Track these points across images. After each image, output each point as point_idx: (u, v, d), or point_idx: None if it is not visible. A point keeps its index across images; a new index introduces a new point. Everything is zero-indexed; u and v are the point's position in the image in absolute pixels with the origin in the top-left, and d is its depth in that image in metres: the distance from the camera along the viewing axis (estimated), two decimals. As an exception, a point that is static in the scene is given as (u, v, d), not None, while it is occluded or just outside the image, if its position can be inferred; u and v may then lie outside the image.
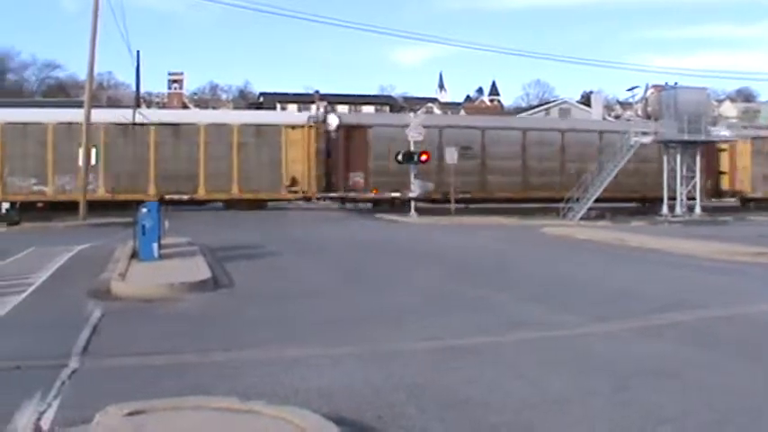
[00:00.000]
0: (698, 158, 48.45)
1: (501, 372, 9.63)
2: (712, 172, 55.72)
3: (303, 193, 48.75)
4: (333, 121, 51.01)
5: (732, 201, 58.53)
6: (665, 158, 48.75)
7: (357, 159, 49.10)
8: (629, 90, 56.73)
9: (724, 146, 55.85)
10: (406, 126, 46.14)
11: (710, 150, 53.76)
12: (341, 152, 49.28)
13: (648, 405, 8.21)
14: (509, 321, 13.13)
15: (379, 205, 49.49)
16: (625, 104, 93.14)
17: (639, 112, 53.98)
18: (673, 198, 47.58)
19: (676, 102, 47.31)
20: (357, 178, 48.87)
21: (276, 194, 48.76)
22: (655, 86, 53.57)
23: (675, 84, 50.13)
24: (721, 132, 50.76)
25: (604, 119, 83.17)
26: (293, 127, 49.01)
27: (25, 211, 40.61)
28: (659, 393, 8.66)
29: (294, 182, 48.05)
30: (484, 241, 30.65)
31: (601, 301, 15.38)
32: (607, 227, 38.02)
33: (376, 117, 51.01)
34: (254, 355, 10.69)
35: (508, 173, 51.66)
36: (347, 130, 49.82)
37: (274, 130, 48.59)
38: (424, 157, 45.19)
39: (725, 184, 58.33)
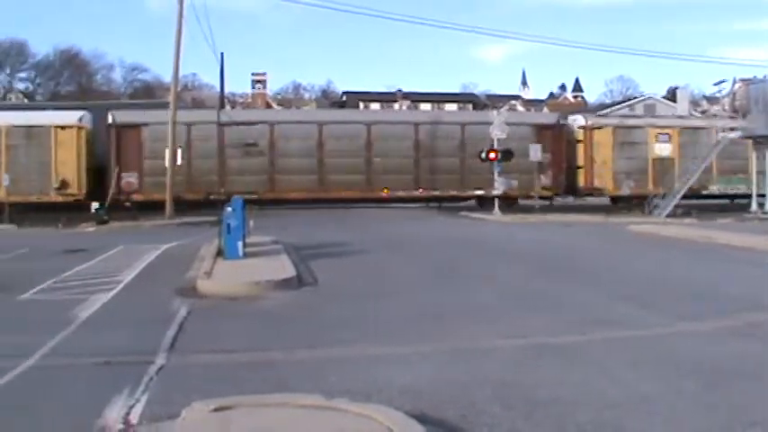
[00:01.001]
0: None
1: (587, 370, 9.49)
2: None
3: (73, 196, 45.55)
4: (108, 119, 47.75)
5: None
6: (753, 154, 47.53)
7: (130, 160, 46.79)
8: (715, 84, 55.69)
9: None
10: (188, 124, 45.81)
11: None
12: (113, 152, 46.46)
13: (736, 406, 8.01)
14: (595, 320, 12.93)
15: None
16: (712, 99, 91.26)
17: (726, 107, 52.73)
18: (762, 195, 46.36)
19: (766, 95, 46.01)
20: (130, 179, 46.56)
21: (46, 197, 45.49)
22: (742, 80, 52.16)
23: (765, 77, 48.73)
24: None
25: (691, 114, 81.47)
26: (63, 128, 46.19)
27: (113, 210, 41.40)
28: (747, 395, 8.43)
29: (65, 184, 45.45)
30: (567, 239, 30.29)
31: (688, 300, 15.05)
32: (693, 224, 37.26)
33: (151, 115, 47.04)
34: (337, 353, 10.72)
35: (301, 171, 48.41)
36: (119, 129, 46.95)
37: (44, 132, 45.97)
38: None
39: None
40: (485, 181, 46.93)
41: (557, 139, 50.72)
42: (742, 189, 50.73)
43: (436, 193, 49.48)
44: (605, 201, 52.33)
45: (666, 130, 52.61)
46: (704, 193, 50.47)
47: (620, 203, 50.08)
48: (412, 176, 49.17)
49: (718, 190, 51.54)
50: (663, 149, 52.01)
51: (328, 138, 48.79)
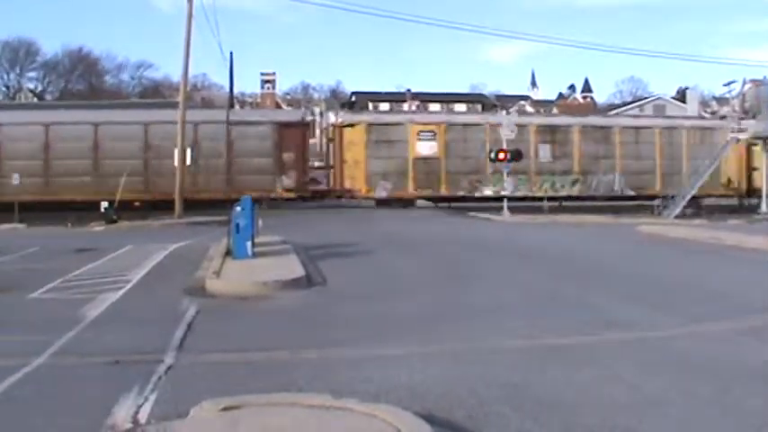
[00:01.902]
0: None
1: (598, 372, 9.46)
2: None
3: None
4: None
5: None
6: (764, 155, 47.42)
7: None
8: (725, 85, 55.22)
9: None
10: None
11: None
12: None
13: (750, 409, 7.96)
14: (606, 321, 12.89)
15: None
16: (721, 100, 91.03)
17: (737, 108, 52.57)
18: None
19: (775, 96, 45.93)
20: None
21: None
22: (753, 81, 52.03)
23: (775, 78, 48.67)
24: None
25: (701, 115, 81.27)
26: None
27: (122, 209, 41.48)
28: (761, 397, 8.37)
29: None
30: (576, 240, 30.24)
31: (699, 302, 14.99)
32: (702, 225, 37.16)
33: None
34: (346, 353, 10.71)
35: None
36: None
37: None
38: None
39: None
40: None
41: (301, 137, 48.46)
42: (522, 191, 49.79)
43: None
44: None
45: (430, 128, 50.15)
46: (477, 195, 49.80)
47: (382, 206, 47.53)
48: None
49: (495, 193, 49.26)
50: (426, 148, 49.55)
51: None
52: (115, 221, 38.99)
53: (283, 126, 47.94)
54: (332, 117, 50.52)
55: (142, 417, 7.73)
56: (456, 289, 16.90)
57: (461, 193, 49.88)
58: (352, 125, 49.21)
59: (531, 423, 7.51)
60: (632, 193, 51.94)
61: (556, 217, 43.05)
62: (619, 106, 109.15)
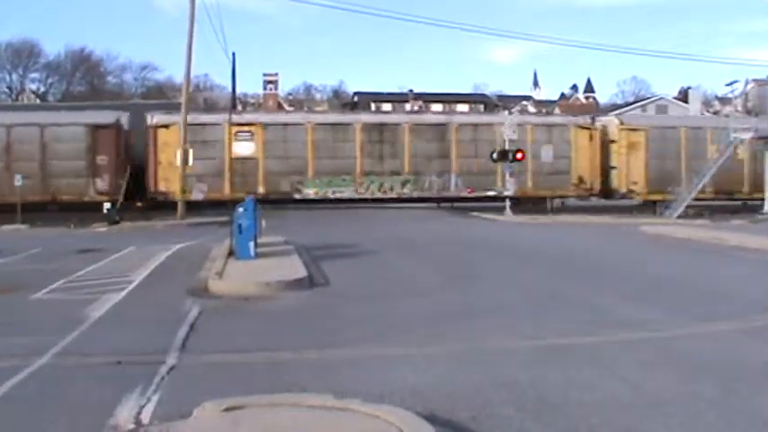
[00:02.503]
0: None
1: (601, 372, 9.45)
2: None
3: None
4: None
5: None
6: (766, 155, 47.37)
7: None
8: (727, 85, 55.25)
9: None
10: None
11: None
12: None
13: (753, 409, 7.96)
14: (610, 321, 12.88)
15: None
16: (724, 100, 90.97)
17: (739, 108, 52.49)
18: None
19: (778, 96, 45.87)
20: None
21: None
22: (755, 81, 51.98)
23: (778, 77, 48.63)
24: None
25: (703, 115, 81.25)
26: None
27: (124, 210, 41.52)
28: (765, 398, 8.37)
29: None
30: (579, 240, 30.22)
31: (702, 302, 14.97)
32: (705, 225, 37.10)
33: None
34: (348, 354, 10.71)
35: None
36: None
37: None
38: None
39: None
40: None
41: (115, 139, 45.93)
42: (346, 193, 48.59)
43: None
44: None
45: (248, 128, 48.86)
46: (297, 197, 47.99)
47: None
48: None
49: (316, 194, 48.33)
50: (244, 149, 48.47)
51: None
52: (117, 222, 39.03)
53: (97, 128, 45.96)
54: (149, 119, 47.88)
55: (145, 417, 7.73)
56: (457, 289, 16.90)
57: (282, 195, 48.04)
58: (167, 126, 47.26)
59: (533, 423, 7.51)
60: (469, 194, 49.68)
61: (555, 217, 43.00)
62: (621, 106, 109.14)
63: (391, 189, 49.53)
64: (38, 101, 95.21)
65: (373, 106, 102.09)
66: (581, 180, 51.37)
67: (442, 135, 50.33)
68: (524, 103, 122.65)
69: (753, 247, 25.88)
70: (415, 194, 49.47)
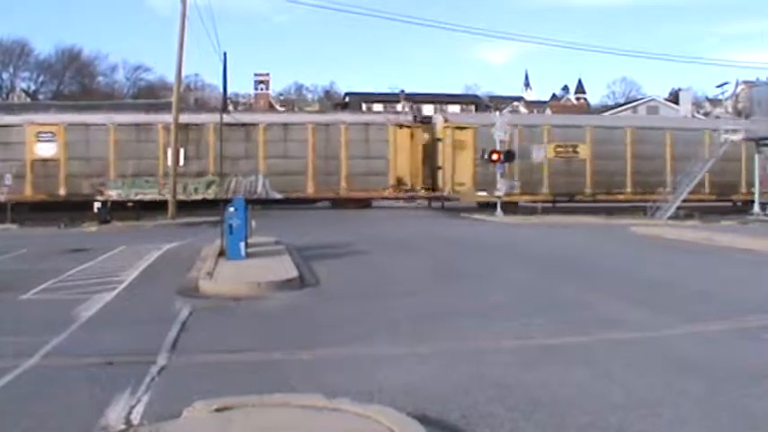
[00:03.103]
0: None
1: (590, 372, 9.47)
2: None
3: None
4: None
5: None
6: (756, 156, 47.51)
7: None
8: (718, 86, 55.41)
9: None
10: None
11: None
12: None
13: (741, 409, 7.98)
14: (599, 321, 12.91)
15: None
16: (714, 101, 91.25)
17: (729, 109, 52.61)
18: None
19: (768, 97, 45.95)
20: None
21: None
22: (745, 82, 52.17)
23: (768, 79, 48.76)
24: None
25: (693, 116, 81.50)
26: None
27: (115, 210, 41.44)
28: (753, 397, 8.39)
29: None
30: (570, 240, 30.25)
31: (692, 302, 15.01)
32: (696, 226, 37.15)
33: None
34: (339, 353, 10.72)
35: None
36: None
37: None
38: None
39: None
40: None
41: None
42: (150, 194, 47.34)
43: None
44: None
45: (49, 128, 47.80)
46: (99, 198, 45.28)
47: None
48: None
49: (118, 196, 47.16)
50: (46, 150, 47.45)
51: None
52: (108, 222, 38.98)
53: None
54: None
55: (135, 418, 7.72)
56: (447, 288, 16.92)
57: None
58: None
59: (524, 423, 7.52)
60: (279, 195, 48.30)
61: (547, 217, 43.07)
62: (612, 107, 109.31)
63: (195, 191, 48.39)
64: (28, 100, 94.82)
65: (364, 107, 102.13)
66: (400, 181, 49.98)
67: (247, 136, 49.36)
68: (515, 103, 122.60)
69: (742, 247, 25.96)
70: (221, 196, 45.55)
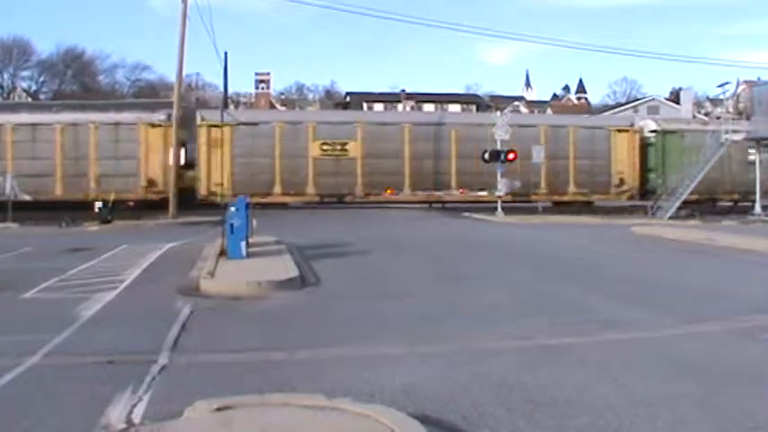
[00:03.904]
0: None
1: (590, 373, 9.48)
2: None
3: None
4: None
5: None
6: (757, 156, 47.46)
7: None
8: (719, 86, 55.22)
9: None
10: None
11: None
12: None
13: (741, 410, 7.98)
14: (599, 322, 12.92)
15: None
16: (715, 101, 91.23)
17: (730, 109, 52.55)
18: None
19: (769, 97, 45.83)
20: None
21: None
22: (746, 82, 52.15)
23: (769, 79, 48.67)
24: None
25: (694, 116, 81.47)
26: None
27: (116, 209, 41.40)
28: (753, 398, 8.40)
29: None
30: (570, 240, 30.24)
31: (692, 303, 15.02)
32: (697, 226, 37.14)
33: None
34: (339, 353, 10.73)
35: None
36: None
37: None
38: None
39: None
40: None
41: None
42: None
43: None
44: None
45: None
46: None
47: None
48: None
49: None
50: None
51: None
52: (109, 221, 38.97)
53: None
54: None
55: (136, 417, 7.73)
56: (447, 288, 16.93)
57: None
58: None
59: (523, 423, 7.54)
60: (28, 198, 44.03)
61: (547, 217, 43.07)
62: (613, 107, 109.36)
63: None
64: (29, 99, 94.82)
65: (365, 106, 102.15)
66: (151, 182, 47.70)
67: None
68: (516, 103, 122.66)
69: (743, 247, 25.96)
70: None
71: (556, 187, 52.28)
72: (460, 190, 50.54)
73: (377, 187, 50.20)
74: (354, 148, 50.03)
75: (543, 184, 51.76)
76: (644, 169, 53.42)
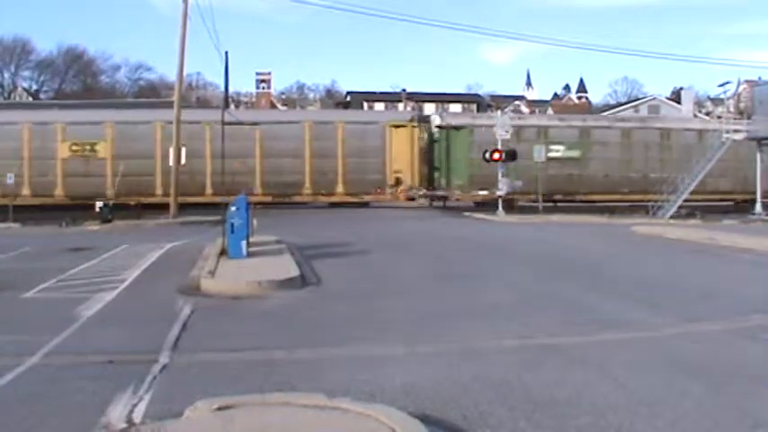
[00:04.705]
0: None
1: (590, 372, 9.48)
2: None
3: None
4: None
5: None
6: (758, 156, 47.43)
7: None
8: (720, 86, 55.16)
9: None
10: None
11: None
12: None
13: (742, 409, 7.98)
14: (599, 321, 12.92)
15: None
16: (716, 101, 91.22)
17: (731, 109, 52.51)
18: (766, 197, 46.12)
19: (770, 97, 45.77)
20: None
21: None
22: (747, 82, 52.11)
23: (770, 78, 48.64)
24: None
25: (695, 115, 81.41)
26: None
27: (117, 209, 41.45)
28: (754, 397, 8.41)
29: None
30: (572, 240, 30.23)
31: (693, 301, 15.02)
32: (698, 225, 37.13)
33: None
34: (340, 353, 10.72)
35: None
36: None
37: None
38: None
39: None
40: None
41: None
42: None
43: None
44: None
45: None
46: None
47: None
48: None
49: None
50: None
51: None
52: (110, 221, 38.99)
53: None
54: None
55: (136, 416, 7.73)
56: (447, 288, 16.93)
57: None
58: None
59: (524, 423, 7.53)
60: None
61: (548, 217, 43.04)
62: (614, 107, 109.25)
63: None
64: (30, 99, 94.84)
65: (366, 106, 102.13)
66: None
67: None
68: (517, 103, 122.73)
69: (744, 247, 25.95)
70: None
71: (321, 187, 50.68)
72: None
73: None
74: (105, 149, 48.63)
75: (308, 184, 50.18)
76: (431, 167, 51.67)
